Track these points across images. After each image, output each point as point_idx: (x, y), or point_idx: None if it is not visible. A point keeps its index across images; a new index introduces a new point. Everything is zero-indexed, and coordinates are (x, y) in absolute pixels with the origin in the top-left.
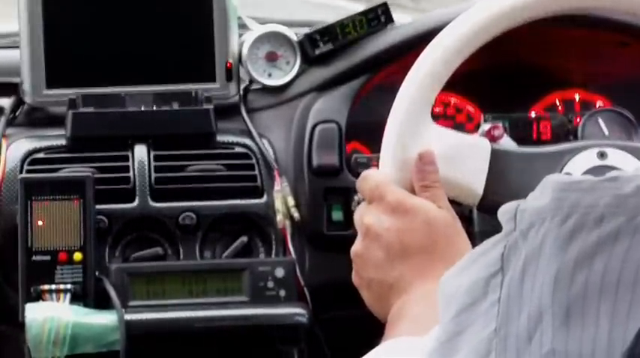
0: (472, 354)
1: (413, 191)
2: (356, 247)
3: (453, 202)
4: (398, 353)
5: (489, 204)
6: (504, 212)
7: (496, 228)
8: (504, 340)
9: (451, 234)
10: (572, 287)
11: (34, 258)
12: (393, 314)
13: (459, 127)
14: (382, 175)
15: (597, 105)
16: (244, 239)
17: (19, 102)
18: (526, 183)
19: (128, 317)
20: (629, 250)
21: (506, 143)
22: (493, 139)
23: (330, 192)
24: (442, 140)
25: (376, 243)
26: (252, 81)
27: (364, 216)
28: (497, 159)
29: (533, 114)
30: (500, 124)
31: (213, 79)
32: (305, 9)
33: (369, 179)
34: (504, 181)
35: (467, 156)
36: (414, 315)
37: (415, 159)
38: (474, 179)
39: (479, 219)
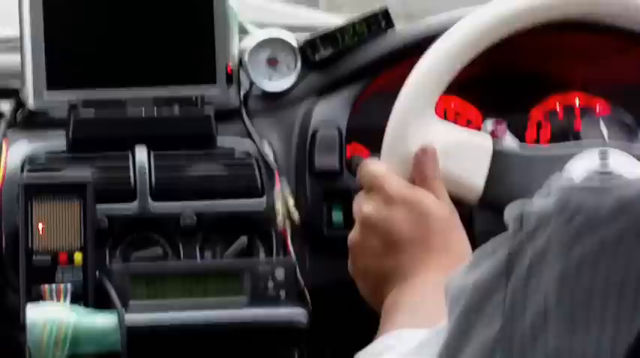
0: (477, 354)
1: (413, 183)
2: (353, 236)
3: (454, 200)
4: (397, 348)
5: (489, 202)
6: (510, 212)
7: (496, 229)
8: (509, 340)
9: (448, 227)
10: (576, 287)
11: (34, 259)
12: (387, 304)
13: None
14: (382, 165)
15: (597, 110)
16: (244, 240)
17: (20, 106)
18: (527, 183)
19: (128, 317)
20: (634, 251)
21: (509, 141)
22: (496, 136)
23: (331, 194)
24: (444, 135)
25: (373, 232)
26: (252, 85)
27: (362, 205)
28: (499, 156)
29: (533, 118)
30: (503, 121)
31: (213, 84)
32: None
33: (369, 169)
34: (505, 179)
35: (468, 153)
36: (410, 305)
37: (416, 151)
38: (474, 175)
39: (479, 220)
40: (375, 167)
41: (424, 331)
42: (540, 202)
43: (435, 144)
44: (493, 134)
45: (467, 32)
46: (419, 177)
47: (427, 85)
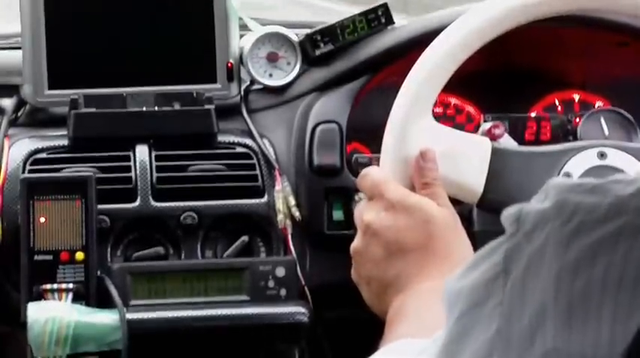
0: (475, 355)
1: (413, 189)
2: (355, 244)
3: (453, 201)
4: (399, 355)
5: (489, 203)
6: (508, 215)
7: (496, 228)
8: (507, 341)
9: (450, 232)
10: (574, 286)
11: (36, 257)
12: (391, 311)
13: (458, 128)
14: (383, 172)
15: (596, 106)
16: (245, 238)
17: (21, 103)
18: (526, 182)
19: (129, 316)
20: (631, 250)
21: (507, 142)
22: (494, 138)
23: (331, 191)
24: (443, 138)
25: (375, 240)
26: (253, 81)
27: (364, 212)
28: (498, 157)
29: (532, 115)
30: (500, 123)
31: (214, 80)
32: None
33: (370, 176)
34: (504, 180)
35: (467, 155)
36: (413, 313)
37: (415, 156)
38: (474, 177)
39: (479, 219)
40: (375, 174)
41: (427, 340)
42: (537, 204)
43: (434, 147)
44: (491, 135)
45: (465, 31)
46: (419, 182)
47: (424, 90)
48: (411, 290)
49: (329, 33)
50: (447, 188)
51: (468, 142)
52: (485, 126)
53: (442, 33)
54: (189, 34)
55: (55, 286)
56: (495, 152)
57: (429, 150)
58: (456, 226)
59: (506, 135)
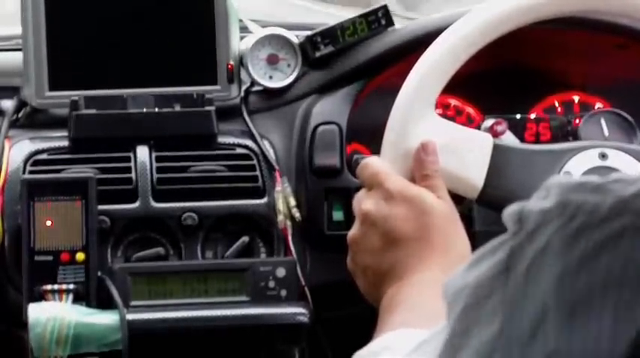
0: (477, 353)
1: (413, 180)
2: (353, 232)
3: (454, 199)
4: (396, 348)
5: (488, 198)
6: (510, 213)
7: (496, 228)
8: (508, 340)
9: (448, 225)
10: (575, 286)
11: (36, 258)
12: (386, 300)
13: None
14: (383, 163)
15: (596, 107)
16: (245, 239)
17: (22, 104)
18: (526, 180)
19: (130, 316)
20: (633, 250)
21: (509, 139)
22: (496, 134)
23: (331, 192)
24: (444, 132)
25: (373, 229)
26: (253, 83)
27: (363, 202)
28: (499, 154)
29: (532, 116)
30: (503, 120)
31: (214, 81)
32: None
33: (370, 166)
34: (505, 176)
35: (469, 149)
36: (408, 303)
37: (416, 148)
38: (474, 172)
39: (479, 219)
40: (375, 164)
41: (424, 331)
42: (539, 203)
43: (435, 141)
44: (493, 132)
45: (468, 29)
46: (419, 174)
47: (428, 83)
48: (407, 281)
49: (329, 35)
50: (447, 181)
51: (470, 137)
52: (488, 122)
53: (446, 30)
54: (190, 36)
55: (56, 287)
56: (497, 148)
57: (430, 142)
58: (454, 219)
59: (508, 132)
